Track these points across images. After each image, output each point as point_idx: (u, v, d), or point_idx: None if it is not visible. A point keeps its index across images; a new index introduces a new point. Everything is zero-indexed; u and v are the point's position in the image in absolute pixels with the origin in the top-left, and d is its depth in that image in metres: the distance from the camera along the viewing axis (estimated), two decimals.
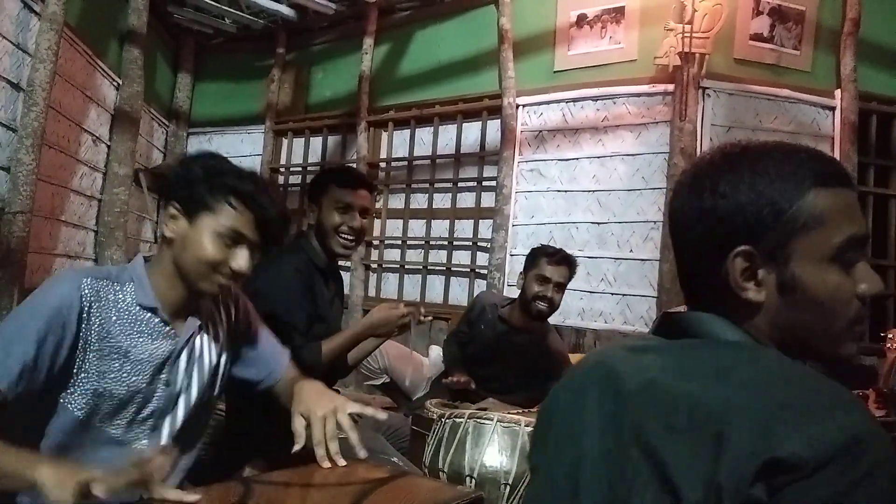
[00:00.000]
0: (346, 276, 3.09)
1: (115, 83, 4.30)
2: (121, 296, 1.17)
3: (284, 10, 4.83)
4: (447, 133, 4.53)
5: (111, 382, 1.13)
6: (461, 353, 2.71)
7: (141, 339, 1.17)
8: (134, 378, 1.15)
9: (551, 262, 2.49)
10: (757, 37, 3.65)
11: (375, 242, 4.73)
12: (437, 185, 4.53)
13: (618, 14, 3.83)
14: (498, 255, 4.04)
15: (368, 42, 4.71)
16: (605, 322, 3.75)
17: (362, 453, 1.17)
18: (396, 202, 4.74)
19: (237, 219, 1.16)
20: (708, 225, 0.70)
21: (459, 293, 4.34)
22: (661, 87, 3.67)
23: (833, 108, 3.67)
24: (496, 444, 1.64)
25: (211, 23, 5.18)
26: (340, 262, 2.15)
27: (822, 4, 3.70)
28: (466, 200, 4.41)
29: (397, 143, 4.76)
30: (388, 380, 2.85)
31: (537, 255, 2.54)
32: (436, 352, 3.06)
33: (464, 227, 4.41)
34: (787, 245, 0.67)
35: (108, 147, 4.27)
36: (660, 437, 0.62)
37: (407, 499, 1.03)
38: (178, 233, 1.18)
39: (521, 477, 1.59)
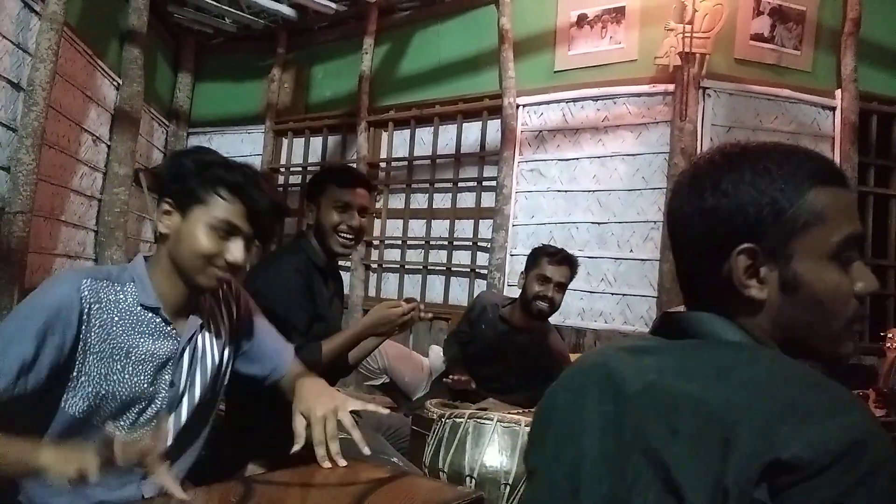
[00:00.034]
0: (346, 276, 3.09)
1: (115, 83, 4.30)
2: (122, 296, 1.16)
3: (285, 9, 4.84)
4: (447, 133, 4.53)
5: (113, 384, 1.13)
6: (462, 352, 2.71)
7: (143, 340, 1.16)
8: (136, 379, 1.15)
9: (552, 261, 2.49)
10: (757, 37, 3.65)
11: (375, 242, 4.73)
12: (437, 185, 4.53)
13: (618, 14, 3.83)
14: (498, 255, 4.04)
15: (369, 42, 4.71)
16: (605, 322, 3.75)
17: (366, 450, 1.17)
18: (396, 202, 4.74)
19: (228, 210, 1.16)
20: (709, 224, 0.70)
21: (459, 293, 4.34)
22: (661, 87, 3.67)
23: (833, 109, 3.67)
24: (496, 444, 1.64)
25: (211, 22, 5.18)
26: (340, 262, 2.15)
27: (822, 4, 3.70)
28: (466, 200, 4.41)
29: (397, 143, 4.76)
30: (387, 380, 2.85)
31: (538, 255, 2.54)
32: (436, 352, 3.05)
33: (464, 227, 4.41)
34: (788, 243, 0.68)
35: (108, 147, 4.27)
36: (662, 439, 0.62)
37: (407, 499, 1.03)
38: (173, 228, 1.18)
39: (521, 477, 1.59)
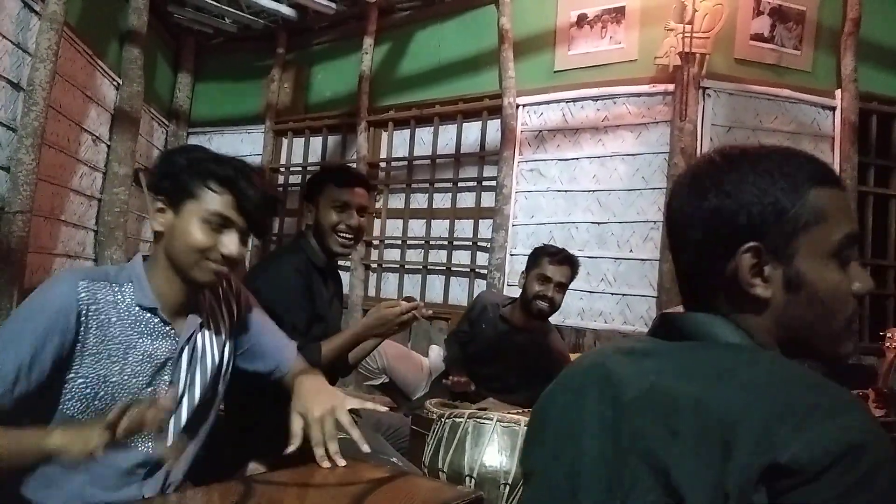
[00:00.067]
0: (345, 275, 3.09)
1: (115, 83, 4.30)
2: (119, 297, 1.16)
3: (285, 9, 4.84)
4: (447, 133, 4.53)
5: (111, 385, 1.12)
6: (462, 352, 2.71)
7: (141, 340, 1.16)
8: (134, 380, 1.15)
9: (553, 261, 2.49)
10: (757, 37, 3.65)
11: (375, 242, 4.73)
12: (437, 185, 4.53)
13: (618, 14, 3.83)
14: (498, 255, 4.04)
15: (368, 42, 4.71)
16: (605, 322, 3.75)
17: (365, 448, 1.17)
18: (396, 202, 4.74)
19: (220, 202, 1.16)
20: (711, 224, 0.71)
21: (459, 293, 4.34)
22: (661, 87, 3.67)
23: (833, 109, 3.67)
24: (496, 444, 1.64)
25: (211, 22, 5.18)
26: (340, 262, 2.15)
27: (822, 4, 3.70)
28: (466, 200, 4.41)
29: (397, 143, 4.76)
30: (387, 380, 2.85)
31: (539, 255, 2.54)
32: (435, 352, 3.06)
33: (464, 227, 4.41)
34: (790, 242, 0.68)
35: (108, 147, 4.27)
36: (661, 441, 0.62)
37: (407, 499, 1.03)
38: (167, 225, 1.18)
39: (520, 477, 1.59)
